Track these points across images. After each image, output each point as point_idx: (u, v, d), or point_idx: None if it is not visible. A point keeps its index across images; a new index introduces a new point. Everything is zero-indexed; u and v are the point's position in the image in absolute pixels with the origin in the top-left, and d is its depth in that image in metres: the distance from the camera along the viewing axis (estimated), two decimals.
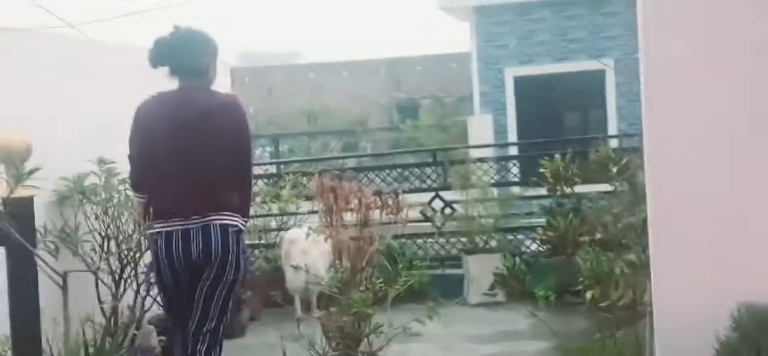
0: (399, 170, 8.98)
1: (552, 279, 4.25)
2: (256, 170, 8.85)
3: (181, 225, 4.12)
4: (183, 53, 4.21)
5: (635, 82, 14.93)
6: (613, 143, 12.69)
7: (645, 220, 3.67)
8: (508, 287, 5.09)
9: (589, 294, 4.85)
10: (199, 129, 4.14)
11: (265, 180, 8.00)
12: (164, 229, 4.16)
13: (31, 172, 2.73)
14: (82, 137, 5.23)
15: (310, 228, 6.76)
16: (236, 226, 4.20)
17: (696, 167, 3.12)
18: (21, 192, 2.90)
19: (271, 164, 12.29)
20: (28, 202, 2.93)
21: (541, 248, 6.98)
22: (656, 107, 3.12)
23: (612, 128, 15.09)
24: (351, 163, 13.23)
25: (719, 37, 3.11)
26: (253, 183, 4.41)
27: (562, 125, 15.46)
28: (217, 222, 4.12)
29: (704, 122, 3.08)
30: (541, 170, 5.16)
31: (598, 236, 3.73)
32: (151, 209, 4.16)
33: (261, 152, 15.85)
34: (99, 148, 5.27)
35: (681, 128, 3.10)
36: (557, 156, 4.84)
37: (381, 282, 5.03)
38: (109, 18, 6.42)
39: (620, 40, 14.80)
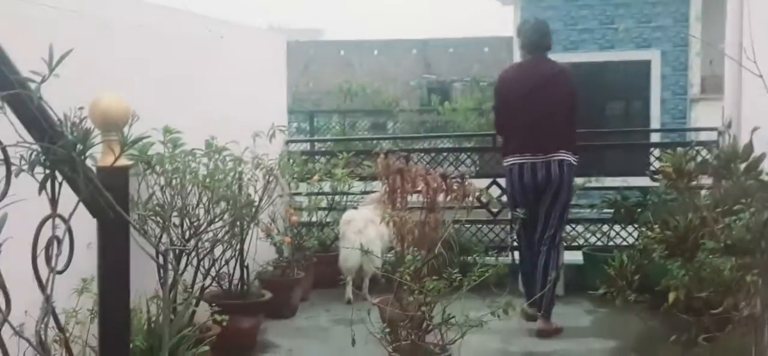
0: (433, 154, 8.47)
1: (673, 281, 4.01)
2: (296, 147, 8.58)
3: (530, 159, 5.85)
4: (539, 35, 6.00)
5: (682, 75, 14.69)
6: (655, 137, 12.38)
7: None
8: (616, 288, 4.83)
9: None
10: (544, 89, 5.84)
11: (304, 157, 7.67)
12: (517, 161, 5.91)
13: (137, 140, 2.48)
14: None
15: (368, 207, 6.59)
16: (569, 160, 5.85)
17: None
18: (114, 161, 2.63)
19: (305, 141, 12.05)
20: (123, 172, 2.65)
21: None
22: None
23: (654, 121, 14.77)
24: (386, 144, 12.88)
25: None
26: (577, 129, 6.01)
27: (603, 115, 15.14)
28: (556, 158, 5.80)
29: None
30: (661, 163, 4.87)
31: (724, 239, 3.45)
32: (509, 146, 6.00)
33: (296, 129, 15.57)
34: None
35: None
36: (679, 150, 4.56)
37: (457, 271, 4.76)
38: None
39: (670, 31, 14.46)
